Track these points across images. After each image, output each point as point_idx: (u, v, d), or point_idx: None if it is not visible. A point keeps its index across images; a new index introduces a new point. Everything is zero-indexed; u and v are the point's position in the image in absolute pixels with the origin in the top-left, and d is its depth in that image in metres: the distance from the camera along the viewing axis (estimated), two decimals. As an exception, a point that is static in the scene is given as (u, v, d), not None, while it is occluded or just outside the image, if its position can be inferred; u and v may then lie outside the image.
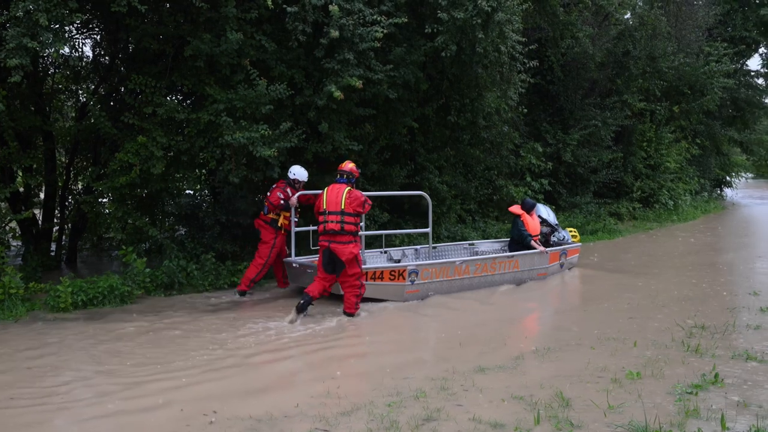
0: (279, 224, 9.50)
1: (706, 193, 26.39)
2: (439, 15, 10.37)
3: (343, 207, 8.14)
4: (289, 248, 9.62)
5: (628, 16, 20.00)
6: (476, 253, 11.32)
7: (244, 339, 7.10)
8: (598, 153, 18.18)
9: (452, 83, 12.73)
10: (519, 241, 11.11)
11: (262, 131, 9.25)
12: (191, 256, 9.99)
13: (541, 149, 16.52)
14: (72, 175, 11.81)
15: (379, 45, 9.98)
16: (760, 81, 29.60)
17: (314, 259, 9.15)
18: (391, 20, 10.10)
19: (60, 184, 11.45)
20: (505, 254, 10.75)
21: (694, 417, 4.85)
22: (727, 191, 30.45)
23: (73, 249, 11.69)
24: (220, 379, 5.80)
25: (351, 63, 9.75)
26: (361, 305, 8.39)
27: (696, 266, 12.21)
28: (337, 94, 9.53)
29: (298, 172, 9.57)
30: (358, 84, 9.72)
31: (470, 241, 12.34)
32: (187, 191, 11.71)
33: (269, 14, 9.63)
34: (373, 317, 8.23)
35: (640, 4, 20.83)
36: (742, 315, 8.17)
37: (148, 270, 9.26)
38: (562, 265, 11.57)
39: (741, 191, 32.35)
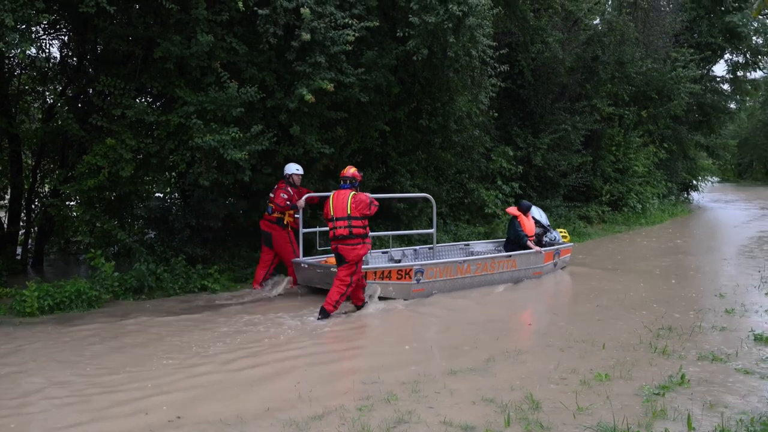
0: (285, 222, 9.85)
1: (673, 197, 26.75)
2: (410, 19, 10.40)
3: (349, 212, 8.38)
4: (298, 249, 9.88)
5: (597, 21, 20.23)
6: (472, 254, 11.63)
7: (216, 343, 7.05)
8: (568, 157, 18.35)
9: (424, 87, 12.77)
10: (515, 241, 11.48)
11: (233, 134, 9.20)
12: (161, 259, 9.89)
13: (511, 153, 16.62)
14: (38, 178, 11.62)
15: (350, 48, 9.98)
16: (726, 86, 30.11)
17: (321, 259, 9.88)
18: (362, 24, 10.11)
19: (26, 186, 11.27)
20: (503, 254, 11.07)
21: (661, 418, 4.93)
22: (694, 195, 30.91)
23: (39, 253, 11.51)
24: (189, 383, 5.75)
25: (322, 66, 9.74)
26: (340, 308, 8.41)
27: (663, 269, 12.38)
28: (309, 97, 9.52)
29: (288, 167, 9.92)
30: (330, 87, 9.71)
31: (466, 242, 12.67)
32: (157, 194, 11.59)
33: (240, 16, 9.59)
34: (346, 322, 8.21)
35: (609, 10, 21.11)
36: (708, 317, 8.30)
37: (116, 274, 9.15)
38: (555, 265, 11.99)
39: (707, 195, 32.86)
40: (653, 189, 23.27)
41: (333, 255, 8.67)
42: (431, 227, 10.94)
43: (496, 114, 15.53)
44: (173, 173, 11.20)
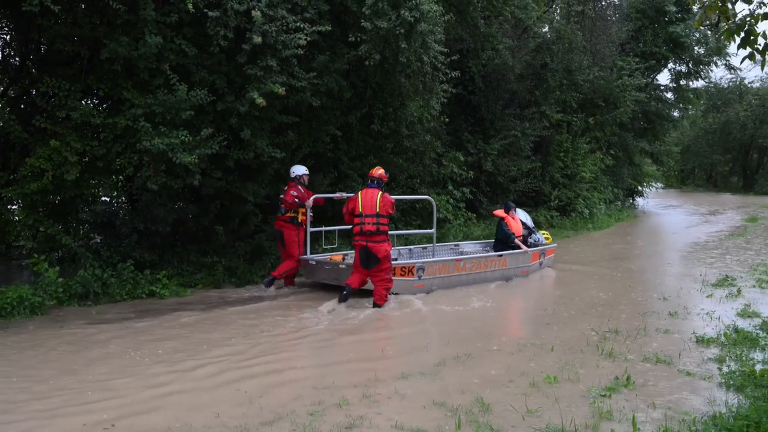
0: (299, 220, 10.29)
1: (619, 202, 27.29)
2: (362, 24, 10.42)
3: (378, 210, 9.18)
4: (305, 247, 10.43)
5: (546, 29, 20.55)
6: (461, 253, 12.09)
7: (165, 349, 6.92)
8: (518, 162, 18.58)
9: (375, 92, 12.81)
10: (504, 240, 12.17)
11: (183, 137, 9.07)
12: (107, 265, 9.68)
13: (462, 158, 16.76)
14: (-21, 181, 11.26)
15: (302, 52, 9.95)
16: (669, 95, 30.87)
17: (328, 256, 10.74)
18: (314, 28, 10.09)
19: (-34, 190, 10.91)
20: (495, 254, 11.75)
21: (607, 419, 5.03)
22: (639, 200, 31.58)
23: (-21, 258, 11.15)
24: (136, 389, 5.64)
25: (274, 70, 9.69)
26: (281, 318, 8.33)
27: (610, 273, 12.62)
28: (260, 100, 9.45)
29: (296, 169, 10.47)
30: (281, 91, 9.66)
31: (455, 242, 13.27)
32: (103, 198, 11.36)
33: (190, 18, 9.46)
34: (297, 328, 8.16)
35: (558, 18, 21.45)
36: (652, 320, 8.49)
37: (61, 280, 8.91)
38: (541, 264, 12.69)
39: (652, 200, 33.63)
40: (600, 194, 23.72)
41: (336, 253, 9.78)
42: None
43: (447, 119, 15.65)
44: (120, 177, 11.00)
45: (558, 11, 21.83)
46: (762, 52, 6.77)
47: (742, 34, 6.67)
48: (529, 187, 19.32)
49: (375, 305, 9.11)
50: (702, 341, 7.34)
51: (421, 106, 13.65)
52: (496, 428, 4.84)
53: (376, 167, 9.85)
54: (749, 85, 50.11)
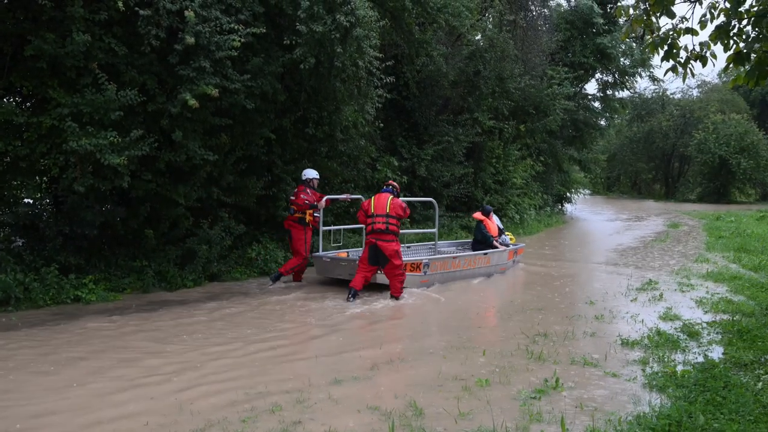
0: (307, 221, 11.09)
1: (548, 208, 27.91)
2: (297, 27, 10.38)
3: (387, 211, 10.23)
4: (317, 245, 11.62)
5: (479, 37, 20.84)
6: (440, 253, 12.94)
7: (91, 355, 6.72)
8: (451, 168, 18.78)
9: (310, 96, 12.76)
10: (482, 241, 13.27)
11: (111, 138, 8.85)
12: (30, 269, 9.33)
13: (396, 163, 16.86)
14: None
15: (236, 54, 9.84)
16: (597, 104, 31.82)
17: (340, 252, 12.00)
18: (248, 30, 10.00)
19: None
20: (482, 252, 12.83)
21: (537, 421, 5.13)
22: (567, 206, 32.37)
23: None
24: (62, 396, 5.47)
25: (207, 71, 9.55)
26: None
27: (539, 277, 12.89)
28: (192, 102, 9.30)
29: (307, 173, 11.46)
30: (214, 93, 9.53)
31: (432, 242, 13.73)
32: (26, 200, 10.94)
33: (120, 17, 9.24)
34: (227, 331, 8.04)
35: (490, 27, 21.80)
36: (579, 323, 8.70)
37: (-21, 284, 8.56)
38: (514, 261, 14.02)
39: (579, 207, 34.53)
40: (530, 200, 24.23)
41: (342, 250, 11.49)
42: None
43: (381, 124, 15.71)
44: (45, 178, 10.62)
45: (491, 20, 22.20)
46: (684, 65, 7.06)
47: (666, 47, 6.94)
48: (462, 193, 19.55)
49: (392, 297, 10.11)
50: (627, 344, 7.56)
51: (355, 111, 13.67)
52: (429, 431, 4.88)
53: (391, 180, 11.87)
54: (671, 96, 52.36)
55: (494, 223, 13.64)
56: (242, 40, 9.81)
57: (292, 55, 10.85)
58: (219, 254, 11.31)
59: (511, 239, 14.21)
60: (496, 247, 13.11)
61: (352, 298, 9.80)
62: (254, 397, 5.58)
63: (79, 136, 8.75)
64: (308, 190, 11.19)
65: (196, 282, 10.77)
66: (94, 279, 9.71)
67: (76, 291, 9.38)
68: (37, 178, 10.55)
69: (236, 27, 9.83)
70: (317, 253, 11.54)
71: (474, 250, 13.12)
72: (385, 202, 10.30)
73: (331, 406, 5.43)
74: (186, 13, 9.20)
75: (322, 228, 11.60)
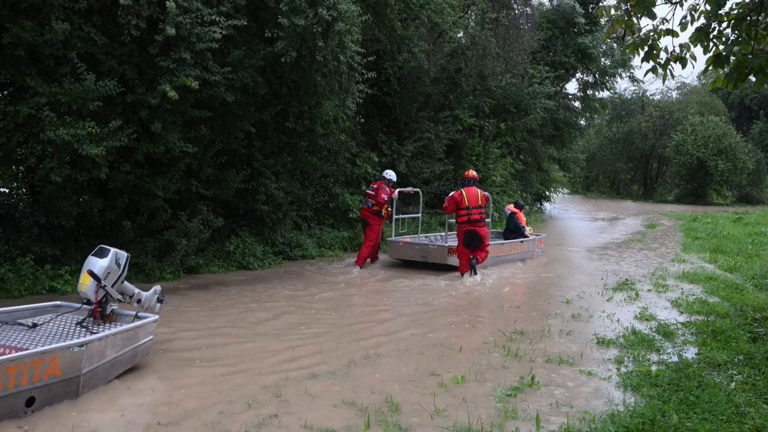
0: (383, 214, 12.82)
1: (528, 207, 28.06)
2: (279, 20, 10.34)
3: (480, 203, 11.95)
4: (391, 231, 13.88)
5: (461, 35, 20.91)
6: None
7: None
8: (431, 165, 18.83)
9: (291, 89, 12.72)
10: (514, 230, 15.12)
11: (89, 129, 8.77)
12: (5, 259, 9.23)
13: (376, 159, 16.85)
14: None
15: (217, 46, 9.79)
16: (577, 104, 32.02)
17: (405, 237, 14.12)
18: (230, 22, 9.95)
19: None
20: (518, 240, 14.67)
21: (512, 418, 5.17)
22: (547, 205, 32.54)
23: None
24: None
25: (187, 62, 9.49)
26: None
27: (517, 275, 12.94)
28: (172, 94, 9.24)
29: (390, 174, 13.28)
30: (194, 84, 9.48)
31: (441, 233, 15.31)
32: (2, 189, 10.82)
33: (100, 6, 9.18)
34: (210, 322, 8.01)
35: (473, 24, 21.87)
36: (556, 321, 8.76)
37: (-48, 274, 8.46)
38: (541, 250, 15.77)
39: (558, 205, 34.73)
40: (510, 198, 24.30)
41: (406, 236, 14.09)
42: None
43: (362, 120, 15.70)
44: (21, 167, 10.51)
45: (473, 17, 22.26)
46: (664, 66, 7.13)
47: (646, 48, 7.01)
48: (442, 189, 19.55)
49: (473, 270, 11.94)
50: (602, 343, 7.64)
51: (336, 106, 13.65)
52: (404, 428, 4.90)
53: (470, 170, 13.02)
54: (651, 97, 52.84)
55: (523, 216, 15.44)
56: (223, 32, 9.76)
57: (274, 49, 10.80)
58: (197, 247, 11.26)
59: (530, 230, 15.74)
60: (527, 237, 14.94)
61: (473, 270, 11.92)
62: (231, 390, 5.58)
63: (56, 125, 8.67)
64: (387, 189, 12.83)
65: (174, 275, 10.70)
66: (70, 270, 9.62)
67: (51, 282, 9.30)
68: (14, 167, 10.44)
69: (217, 19, 9.78)
70: (392, 238, 13.60)
71: (505, 239, 14.85)
72: (476, 195, 11.94)
73: (308, 400, 5.44)
74: (167, 3, 9.13)
75: (395, 216, 13.84)
